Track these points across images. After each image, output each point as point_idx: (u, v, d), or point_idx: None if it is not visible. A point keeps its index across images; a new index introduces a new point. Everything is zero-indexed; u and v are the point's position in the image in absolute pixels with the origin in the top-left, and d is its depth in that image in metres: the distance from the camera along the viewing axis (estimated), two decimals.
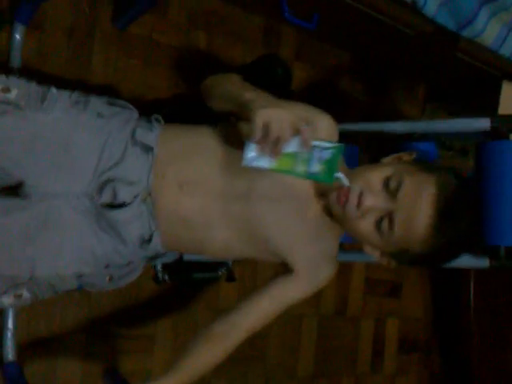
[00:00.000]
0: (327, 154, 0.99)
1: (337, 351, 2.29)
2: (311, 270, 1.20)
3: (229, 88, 1.18)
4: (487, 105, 1.95)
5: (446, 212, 1.07)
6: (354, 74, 2.22)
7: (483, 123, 1.36)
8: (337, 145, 1.00)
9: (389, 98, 2.34)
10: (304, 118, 1.04)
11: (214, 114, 1.24)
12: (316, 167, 0.99)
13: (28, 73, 1.47)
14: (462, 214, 1.10)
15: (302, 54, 2.11)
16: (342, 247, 1.42)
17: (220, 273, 1.70)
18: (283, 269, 1.21)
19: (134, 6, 1.68)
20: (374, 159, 1.23)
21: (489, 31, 1.74)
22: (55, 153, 1.15)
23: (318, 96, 2.11)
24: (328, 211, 1.18)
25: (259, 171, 1.12)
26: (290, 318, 2.15)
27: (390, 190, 1.09)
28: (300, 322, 2.19)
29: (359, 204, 1.09)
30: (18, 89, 1.15)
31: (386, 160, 1.20)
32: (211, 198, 1.16)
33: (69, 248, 1.15)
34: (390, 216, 1.08)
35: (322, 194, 1.17)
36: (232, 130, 1.20)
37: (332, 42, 2.13)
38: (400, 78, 2.32)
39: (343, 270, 2.26)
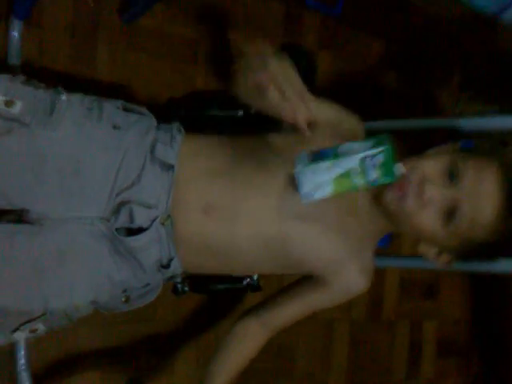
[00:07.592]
0: (380, 158, 0.97)
1: (370, 358, 2.24)
2: (346, 284, 1.16)
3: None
4: None
5: None
6: (384, 62, 2.16)
7: None
8: (384, 146, 0.97)
9: (422, 87, 2.28)
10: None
11: (234, 118, 1.20)
12: (374, 174, 0.97)
13: (28, 74, 1.40)
14: None
15: (327, 42, 2.04)
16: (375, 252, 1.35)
17: (245, 283, 1.60)
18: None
19: None
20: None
21: None
22: (65, 177, 1.07)
23: (345, 89, 2.04)
24: (375, 216, 1.14)
25: (291, 190, 1.08)
26: (319, 325, 2.10)
27: (453, 178, 1.06)
28: (330, 329, 2.14)
29: (420, 194, 1.05)
30: (22, 100, 1.07)
31: (432, 151, 1.14)
32: (240, 223, 1.10)
33: (85, 276, 1.10)
34: (455, 205, 1.05)
35: (375, 196, 1.12)
36: (259, 140, 1.14)
37: (360, 28, 2.07)
38: (434, 66, 2.26)
39: (376, 272, 2.19)
